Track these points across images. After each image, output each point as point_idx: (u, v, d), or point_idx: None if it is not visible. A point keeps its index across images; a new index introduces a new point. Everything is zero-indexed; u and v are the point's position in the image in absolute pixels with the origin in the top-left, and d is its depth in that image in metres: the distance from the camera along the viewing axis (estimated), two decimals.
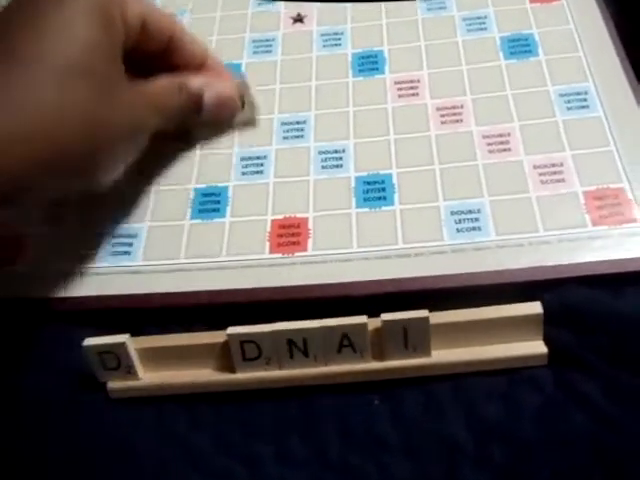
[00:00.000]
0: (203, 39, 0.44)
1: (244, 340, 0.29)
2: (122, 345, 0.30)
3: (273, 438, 0.30)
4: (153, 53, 0.34)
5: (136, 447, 0.30)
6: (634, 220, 0.32)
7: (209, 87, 0.35)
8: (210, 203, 0.36)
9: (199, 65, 0.36)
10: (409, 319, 0.28)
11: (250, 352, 0.30)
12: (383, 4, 0.43)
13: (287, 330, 0.29)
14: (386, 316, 0.28)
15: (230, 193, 0.36)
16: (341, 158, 0.37)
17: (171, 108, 0.33)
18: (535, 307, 0.28)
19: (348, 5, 0.44)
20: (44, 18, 0.27)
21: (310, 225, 0.34)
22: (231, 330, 0.29)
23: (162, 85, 0.33)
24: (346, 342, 0.29)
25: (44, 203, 0.35)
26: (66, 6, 0.28)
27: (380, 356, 0.30)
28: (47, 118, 0.26)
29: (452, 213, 0.33)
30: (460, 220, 0.33)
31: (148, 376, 0.31)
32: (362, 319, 0.29)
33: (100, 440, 0.30)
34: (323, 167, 0.36)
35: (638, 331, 0.28)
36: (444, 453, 0.28)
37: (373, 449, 0.29)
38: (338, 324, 0.29)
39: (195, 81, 0.35)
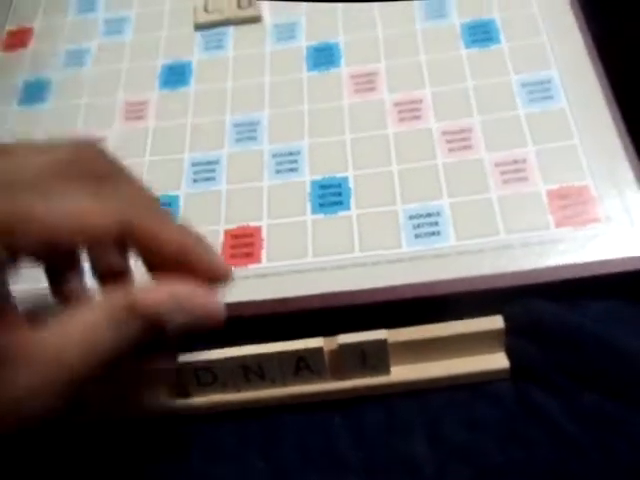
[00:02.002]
0: (150, 38, 0.42)
1: (197, 368, 0.28)
2: None
3: (234, 459, 0.29)
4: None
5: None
6: (598, 220, 0.30)
7: (174, 299, 0.24)
8: None
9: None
10: (367, 341, 0.27)
11: (204, 378, 0.28)
12: None
13: (241, 356, 0.28)
14: (343, 338, 0.27)
15: (181, 202, 0.35)
16: (296, 161, 0.35)
17: (102, 353, 0.22)
18: (496, 321, 0.27)
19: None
20: None
21: (264, 234, 0.33)
22: (183, 358, 0.28)
23: (89, 321, 0.22)
24: (303, 365, 0.28)
25: None
26: None
27: (339, 375, 0.28)
28: None
29: (410, 217, 0.32)
30: (419, 225, 0.31)
31: None
32: (318, 342, 0.27)
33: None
34: (277, 171, 0.35)
35: (601, 348, 0.27)
36: (405, 474, 0.27)
37: (334, 470, 0.28)
38: (293, 349, 0.27)
39: (152, 296, 0.23)
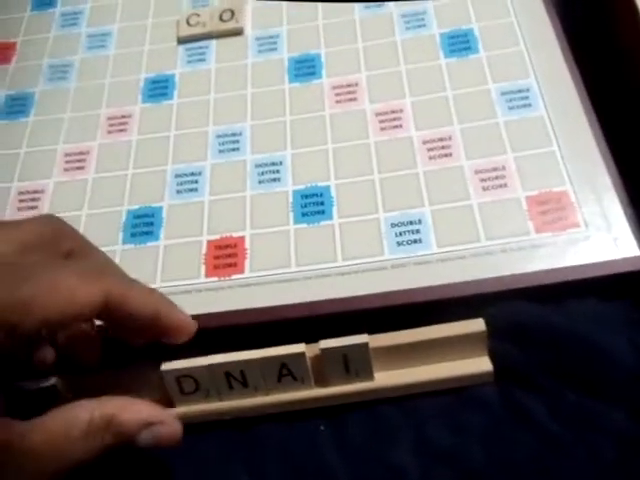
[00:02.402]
0: (133, 52, 0.42)
1: (180, 375, 0.28)
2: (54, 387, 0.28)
3: (217, 472, 0.29)
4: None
5: None
6: (577, 225, 0.30)
7: (146, 423, 0.26)
8: (143, 225, 0.34)
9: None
10: (348, 346, 0.27)
11: (187, 386, 0.28)
12: (320, 5, 0.41)
13: (223, 363, 0.28)
14: (325, 343, 0.27)
15: (164, 214, 0.35)
16: (278, 171, 0.35)
17: (71, 461, 0.24)
18: (478, 324, 0.27)
19: (283, 5, 0.42)
20: None
21: (247, 245, 0.33)
22: (165, 366, 0.28)
23: (64, 429, 0.24)
24: (285, 371, 0.28)
25: None
26: None
27: (322, 382, 0.29)
28: None
29: (392, 225, 0.32)
30: (401, 232, 0.32)
31: None
32: (300, 348, 0.27)
33: None
34: (260, 182, 0.35)
35: (582, 348, 0.27)
36: None
37: (319, 479, 0.28)
38: (275, 354, 0.27)
39: (127, 417, 0.25)
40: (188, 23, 0.42)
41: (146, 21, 0.43)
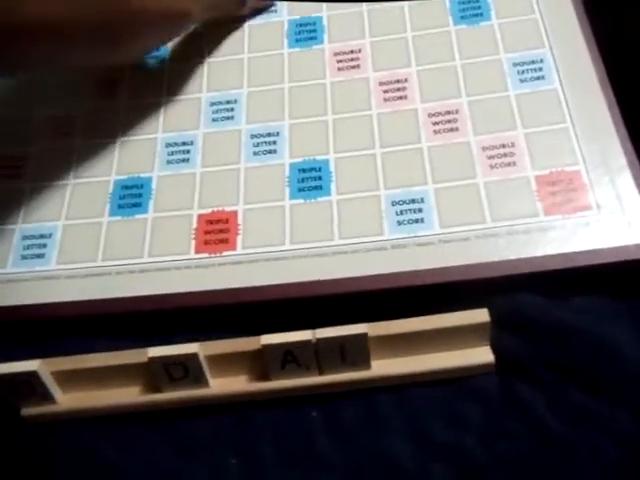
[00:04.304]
0: None
1: (169, 362, 0.27)
2: (33, 373, 0.27)
3: (206, 455, 0.27)
4: None
5: (59, 474, 0.27)
6: (589, 207, 0.29)
7: None
8: (131, 197, 0.33)
9: None
10: (345, 336, 0.25)
11: (176, 372, 0.27)
12: None
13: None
14: (321, 332, 0.26)
15: (154, 185, 0.33)
16: (275, 142, 0.33)
17: (216, 3, 0.35)
18: (482, 315, 0.26)
19: None
20: None
21: (240, 220, 0.31)
22: (153, 352, 0.26)
23: None
24: (290, 358, 0.27)
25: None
26: None
27: (318, 370, 0.27)
28: None
29: (393, 203, 0.30)
30: (402, 211, 0.30)
31: (67, 399, 0.28)
32: (306, 335, 0.26)
33: (20, 467, 0.27)
34: (255, 153, 0.33)
35: (587, 344, 0.26)
36: (385, 470, 0.26)
37: (311, 466, 0.27)
38: (279, 342, 0.26)
39: None
40: None
41: None
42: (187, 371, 0.27)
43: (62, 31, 0.28)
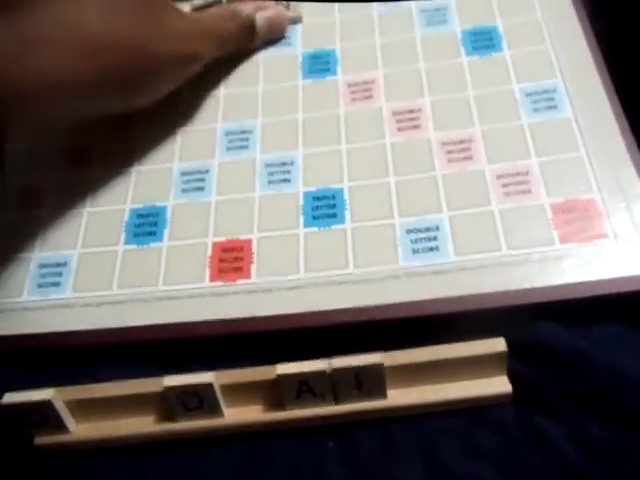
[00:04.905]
0: None
1: (184, 392, 0.26)
2: (47, 402, 0.26)
3: None
4: None
5: None
6: (605, 235, 0.29)
7: (260, 14, 0.37)
8: (146, 225, 0.33)
9: None
10: (361, 366, 0.25)
11: (191, 402, 0.27)
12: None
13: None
14: (337, 362, 0.25)
15: (169, 213, 0.33)
16: (289, 172, 0.33)
17: (225, 37, 0.36)
18: (499, 344, 0.26)
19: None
20: None
21: (254, 248, 0.31)
22: (168, 382, 0.26)
23: (215, 15, 0.36)
24: (305, 388, 0.26)
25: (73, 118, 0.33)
26: None
27: (333, 399, 0.27)
28: (91, 36, 0.29)
29: (408, 231, 0.30)
30: (417, 239, 0.30)
31: (81, 428, 0.28)
32: (321, 365, 0.26)
33: None
34: (269, 182, 0.33)
35: (608, 375, 0.26)
36: None
37: None
38: (294, 372, 0.26)
39: (245, 9, 0.37)
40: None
41: None
42: (202, 401, 0.27)
43: (76, 84, 0.29)
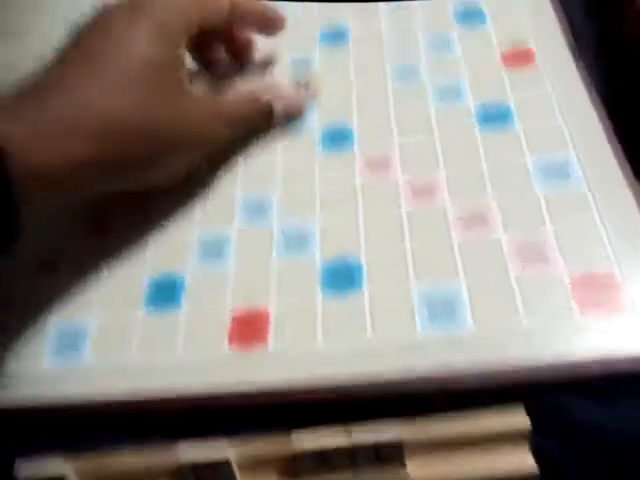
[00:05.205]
0: None
1: (200, 466, 0.26)
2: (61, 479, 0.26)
3: None
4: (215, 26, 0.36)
5: None
6: (625, 308, 0.28)
7: (278, 98, 0.38)
8: (164, 293, 0.33)
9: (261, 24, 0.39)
10: (380, 443, 0.25)
11: (206, 476, 0.26)
12: (353, 74, 0.41)
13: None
14: (356, 436, 0.25)
15: (187, 281, 0.33)
16: (306, 240, 0.34)
17: (243, 121, 0.37)
18: (522, 420, 0.25)
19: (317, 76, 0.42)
20: (113, 36, 0.32)
21: (272, 316, 0.31)
22: (184, 455, 0.26)
23: (234, 99, 0.37)
24: (323, 459, 0.26)
25: (91, 195, 0.34)
26: (133, 27, 0.32)
27: (351, 471, 0.26)
28: (109, 118, 0.30)
29: (425, 299, 0.30)
30: (434, 307, 0.30)
31: None
32: (341, 440, 0.25)
33: None
34: (287, 250, 0.34)
35: (637, 452, 0.25)
36: None
37: None
38: (312, 446, 0.25)
39: (264, 93, 0.38)
40: None
41: None
42: (217, 474, 0.26)
43: (94, 165, 0.30)
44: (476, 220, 0.33)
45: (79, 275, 0.34)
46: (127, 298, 0.33)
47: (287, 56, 0.42)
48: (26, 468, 0.26)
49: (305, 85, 0.40)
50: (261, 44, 0.41)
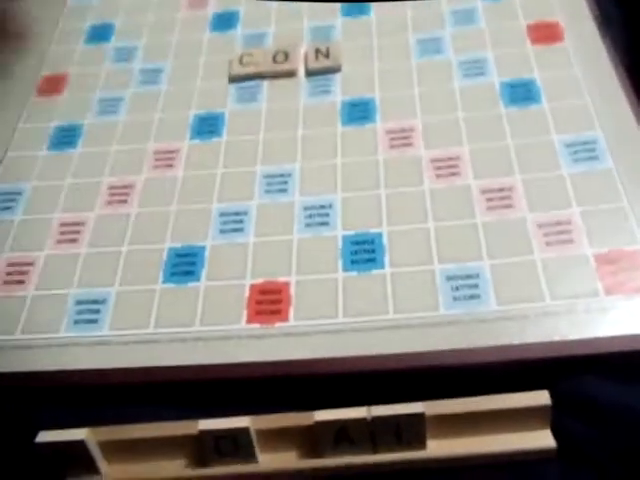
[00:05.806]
0: (184, 89, 0.42)
1: (219, 436, 0.26)
2: (81, 443, 0.26)
3: None
4: None
5: None
6: None
7: None
8: (184, 265, 0.33)
9: None
10: (402, 415, 0.25)
11: (226, 447, 0.26)
12: (376, 50, 0.41)
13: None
14: (376, 410, 0.25)
15: (207, 254, 0.33)
16: (327, 215, 0.34)
17: None
18: (543, 397, 0.25)
19: (339, 48, 0.41)
20: None
21: (292, 291, 0.31)
22: (203, 425, 0.26)
23: None
24: (343, 435, 0.26)
25: None
26: None
27: (372, 448, 0.26)
28: None
29: (448, 278, 0.30)
30: (457, 287, 0.30)
31: (112, 470, 0.27)
32: (361, 412, 0.25)
33: None
34: (308, 225, 0.33)
35: None
36: None
37: None
38: (333, 419, 0.25)
39: None
40: (241, 62, 0.42)
41: (198, 59, 0.43)
42: (236, 445, 0.26)
43: None
44: (501, 198, 0.32)
45: (99, 245, 0.34)
46: (147, 270, 0.33)
47: (306, 22, 0.42)
48: (45, 434, 0.26)
49: (325, 53, 0.39)
50: (280, 8, 0.40)
